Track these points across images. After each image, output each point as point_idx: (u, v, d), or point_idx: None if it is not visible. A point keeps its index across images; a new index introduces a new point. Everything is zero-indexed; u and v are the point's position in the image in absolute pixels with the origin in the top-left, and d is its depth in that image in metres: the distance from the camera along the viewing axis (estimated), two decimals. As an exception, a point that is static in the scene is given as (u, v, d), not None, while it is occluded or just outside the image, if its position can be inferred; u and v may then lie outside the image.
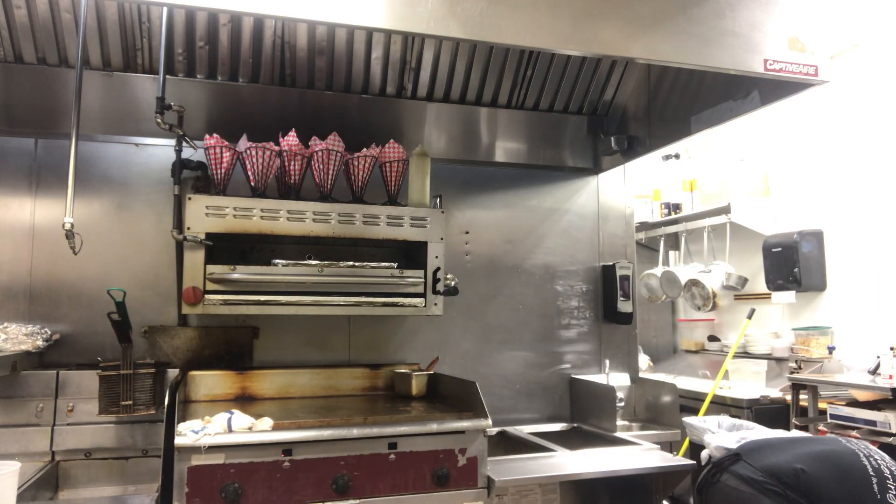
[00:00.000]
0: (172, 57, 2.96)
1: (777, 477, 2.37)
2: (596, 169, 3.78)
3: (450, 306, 3.17)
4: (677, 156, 5.87)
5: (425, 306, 2.92)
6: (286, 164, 2.86)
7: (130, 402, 2.54)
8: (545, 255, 3.66)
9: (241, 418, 2.28)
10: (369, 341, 3.29)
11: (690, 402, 4.31)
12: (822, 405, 3.76)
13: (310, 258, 2.86)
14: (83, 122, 2.50)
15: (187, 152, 2.89)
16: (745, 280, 5.04)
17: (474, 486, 2.46)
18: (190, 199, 2.67)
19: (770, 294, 4.80)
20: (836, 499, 2.26)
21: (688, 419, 3.41)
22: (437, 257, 2.94)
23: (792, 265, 4.55)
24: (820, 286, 4.60)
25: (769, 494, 2.36)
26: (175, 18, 2.83)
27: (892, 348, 3.64)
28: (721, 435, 3.23)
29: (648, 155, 3.53)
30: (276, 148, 2.82)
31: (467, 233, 3.52)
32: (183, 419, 2.29)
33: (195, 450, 2.15)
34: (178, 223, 2.80)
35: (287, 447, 2.27)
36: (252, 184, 2.81)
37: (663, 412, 3.44)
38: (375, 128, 3.23)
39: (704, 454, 3.20)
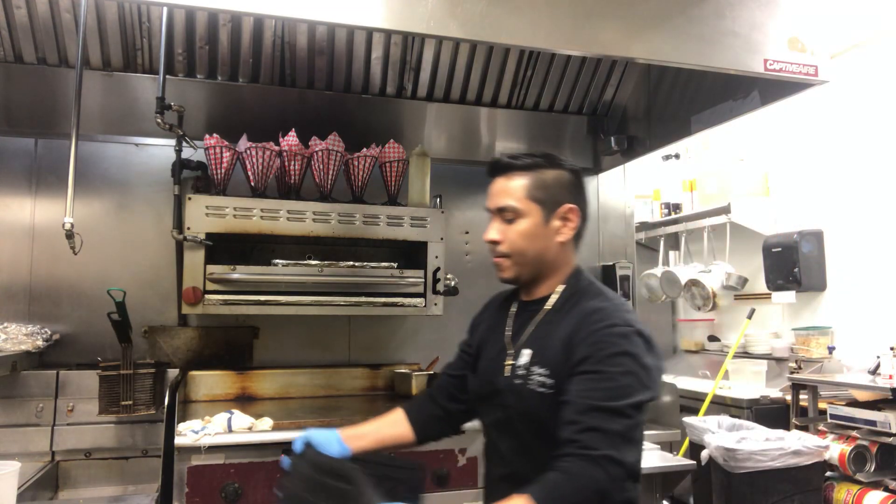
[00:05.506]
0: (172, 57, 2.96)
1: None
2: (596, 169, 3.78)
3: (450, 306, 3.16)
4: (677, 156, 5.86)
5: (425, 306, 2.92)
6: (286, 164, 2.85)
7: (130, 402, 2.54)
8: (545, 255, 3.65)
9: (241, 418, 2.28)
10: (369, 341, 3.29)
11: (690, 402, 4.30)
12: (822, 405, 3.75)
13: (310, 258, 2.86)
14: (83, 122, 2.49)
15: (187, 152, 2.89)
16: (745, 280, 5.03)
17: (474, 486, 2.46)
18: (190, 199, 2.67)
19: (770, 294, 4.79)
20: None
21: (688, 419, 3.41)
22: (437, 257, 2.94)
23: (792, 265, 4.54)
24: (820, 286, 4.59)
25: None
26: (175, 18, 2.83)
27: (892, 348, 3.63)
28: (721, 435, 3.24)
29: (648, 155, 3.53)
30: (276, 148, 2.82)
31: (467, 233, 3.52)
32: (183, 419, 2.30)
33: (195, 450, 2.15)
34: (178, 223, 2.79)
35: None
36: (252, 184, 2.81)
37: (663, 412, 3.43)
38: (375, 128, 3.23)
39: (704, 454, 3.20)
